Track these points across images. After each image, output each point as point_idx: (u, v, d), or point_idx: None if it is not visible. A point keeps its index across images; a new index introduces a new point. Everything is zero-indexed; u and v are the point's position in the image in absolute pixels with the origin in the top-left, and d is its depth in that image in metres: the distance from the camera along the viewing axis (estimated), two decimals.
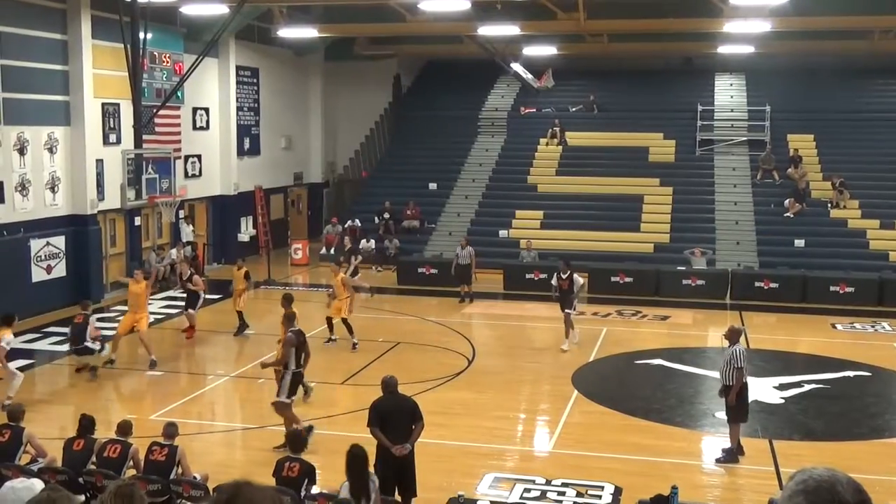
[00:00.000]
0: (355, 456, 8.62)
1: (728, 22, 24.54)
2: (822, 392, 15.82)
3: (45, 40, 21.59)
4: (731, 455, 12.46)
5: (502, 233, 28.79)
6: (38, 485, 5.93)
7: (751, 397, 15.13)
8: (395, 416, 10.00)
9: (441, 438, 13.02)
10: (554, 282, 19.09)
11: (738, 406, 12.41)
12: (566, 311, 18.61)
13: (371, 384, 14.94)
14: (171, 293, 24.07)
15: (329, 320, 18.78)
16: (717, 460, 12.52)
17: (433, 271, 25.67)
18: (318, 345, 19.37)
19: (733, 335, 12.62)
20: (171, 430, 10.18)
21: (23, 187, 21.06)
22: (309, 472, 9.23)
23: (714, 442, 13.64)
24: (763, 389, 15.71)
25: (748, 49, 30.50)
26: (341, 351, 18.85)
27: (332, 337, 18.77)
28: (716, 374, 16.87)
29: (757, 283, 23.89)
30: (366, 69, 35.54)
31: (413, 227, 29.90)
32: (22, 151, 21.00)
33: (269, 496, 2.96)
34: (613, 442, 13.17)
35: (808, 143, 31.23)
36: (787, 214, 27.90)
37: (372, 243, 28.72)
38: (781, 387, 15.87)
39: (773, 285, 23.73)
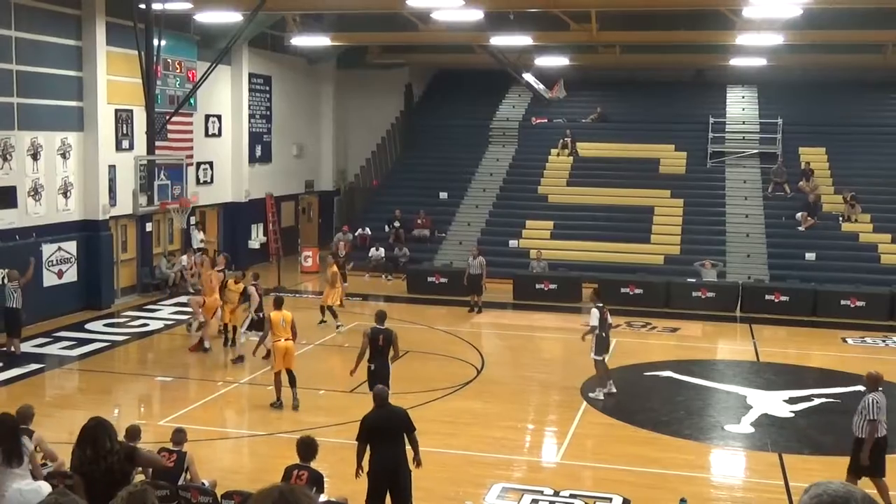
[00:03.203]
0: (1, 423, 8.78)
1: (741, 35, 24.53)
2: (832, 406, 15.74)
3: (59, 46, 21.71)
4: None
5: (512, 243, 28.78)
6: (44, 488, 5.93)
7: (760, 411, 15.18)
8: (386, 429, 9.96)
9: (449, 448, 13.01)
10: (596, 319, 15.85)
11: (873, 462, 10.94)
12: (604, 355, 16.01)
13: None
14: (181, 299, 24.14)
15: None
16: None
17: (443, 280, 25.66)
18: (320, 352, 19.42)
19: (871, 381, 11.15)
20: (179, 436, 10.20)
21: (36, 192, 21.16)
22: (317, 481, 9.22)
23: (722, 455, 13.61)
24: (773, 403, 15.68)
25: (760, 62, 30.48)
26: (349, 359, 18.88)
27: (323, 319, 21.30)
28: (725, 387, 16.91)
29: (767, 296, 23.81)
30: (378, 78, 35.63)
31: (423, 235, 29.91)
32: (35, 156, 21.10)
33: (310, 498, 3.09)
34: (622, 454, 13.13)
35: (820, 156, 31.16)
36: (801, 228, 27.84)
37: (382, 252, 28.76)
38: (791, 400, 15.82)
39: (783, 298, 23.66)
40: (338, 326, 20.99)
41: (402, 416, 10.18)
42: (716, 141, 32.13)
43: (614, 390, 15.91)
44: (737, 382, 17.25)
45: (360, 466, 9.96)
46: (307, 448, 9.32)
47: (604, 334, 15.86)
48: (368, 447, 9.93)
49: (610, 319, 16.41)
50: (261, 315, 17.94)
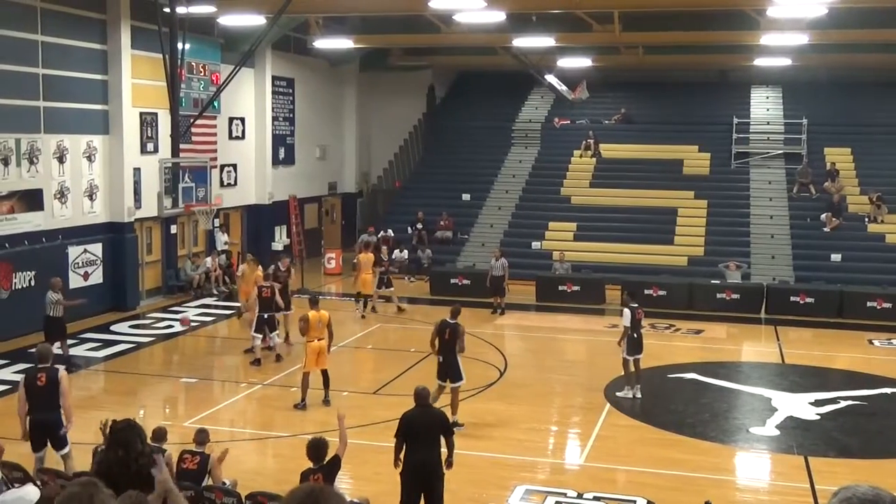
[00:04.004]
0: None
1: (765, 35, 24.38)
2: (858, 409, 15.62)
3: (85, 50, 21.89)
4: None
5: (535, 244, 28.74)
6: (32, 493, 5.91)
7: (786, 413, 15.07)
8: (424, 429, 10.00)
9: (472, 450, 13.00)
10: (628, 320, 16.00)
11: None
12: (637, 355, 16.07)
13: (403, 394, 14.94)
14: (206, 301, 24.28)
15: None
16: None
17: (466, 282, 25.64)
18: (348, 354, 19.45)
19: None
20: (202, 436, 10.23)
21: (62, 195, 21.34)
22: (333, 468, 9.27)
23: (748, 458, 13.52)
24: (798, 405, 15.56)
25: (785, 62, 30.27)
26: (373, 361, 18.96)
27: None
28: (750, 389, 16.79)
29: (792, 298, 23.64)
30: (400, 80, 35.69)
31: (446, 237, 29.92)
32: (61, 160, 21.29)
33: (341, 498, 3.14)
34: (646, 456, 13.07)
35: (846, 156, 30.92)
36: (826, 229, 27.63)
37: (405, 254, 28.78)
38: (817, 403, 15.69)
39: (808, 300, 23.48)
40: (363, 315, 22.63)
41: (441, 417, 10.24)
42: (740, 142, 31.95)
43: (639, 396, 15.84)
44: (762, 385, 17.14)
45: (397, 458, 10.01)
46: (317, 450, 9.30)
47: (635, 335, 15.86)
48: (407, 447, 9.97)
49: (643, 321, 16.46)
50: (266, 316, 18.02)
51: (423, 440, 9.93)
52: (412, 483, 9.86)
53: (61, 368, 11.31)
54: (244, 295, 20.11)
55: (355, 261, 23.55)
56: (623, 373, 16.07)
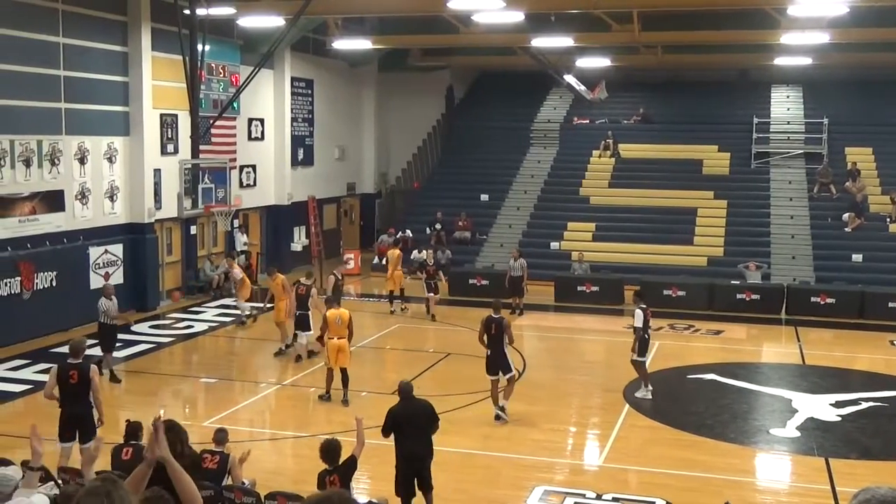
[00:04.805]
0: None
1: (785, 34, 24.24)
2: (879, 410, 15.51)
3: (106, 52, 22.03)
4: None
5: (554, 245, 28.71)
6: (38, 502, 5.89)
7: (806, 415, 15.00)
8: (412, 421, 10.34)
9: (491, 450, 13.01)
10: (640, 321, 16.06)
11: None
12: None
13: (422, 395, 14.98)
14: (224, 301, 24.37)
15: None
16: None
17: (484, 282, 25.64)
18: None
19: None
20: (221, 435, 10.25)
21: (83, 196, 21.48)
22: (350, 469, 9.30)
23: (767, 459, 13.45)
24: (819, 407, 15.47)
25: (805, 61, 30.09)
26: (392, 361, 18.97)
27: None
28: (770, 390, 16.71)
29: (813, 299, 23.50)
30: (419, 80, 35.72)
31: (464, 238, 29.91)
32: (82, 161, 21.43)
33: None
34: (665, 457, 13.03)
35: (867, 156, 30.71)
36: (847, 229, 27.45)
37: (424, 254, 28.75)
38: (838, 404, 15.59)
39: (829, 300, 23.34)
40: (403, 309, 23.39)
41: (424, 408, 10.53)
42: (760, 141, 31.80)
43: (650, 396, 15.84)
44: (782, 386, 17.06)
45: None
46: (330, 451, 9.33)
47: (646, 336, 15.88)
48: (397, 440, 10.30)
49: (651, 322, 16.45)
50: (298, 314, 18.13)
51: (408, 433, 10.28)
52: (405, 470, 10.25)
53: (93, 365, 11.51)
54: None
55: (384, 261, 23.71)
56: (639, 375, 16.05)
